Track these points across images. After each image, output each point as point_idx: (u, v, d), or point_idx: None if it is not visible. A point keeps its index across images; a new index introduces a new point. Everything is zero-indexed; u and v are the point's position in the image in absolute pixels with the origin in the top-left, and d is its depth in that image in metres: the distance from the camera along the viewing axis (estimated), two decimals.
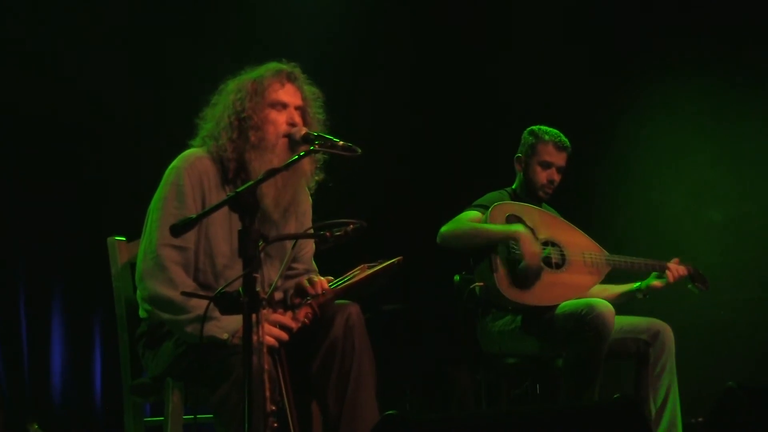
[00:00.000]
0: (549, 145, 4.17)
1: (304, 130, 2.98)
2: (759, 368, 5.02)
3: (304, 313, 2.89)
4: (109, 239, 3.28)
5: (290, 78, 3.07)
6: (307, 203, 3.22)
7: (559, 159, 4.19)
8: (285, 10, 5.47)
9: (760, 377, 4.91)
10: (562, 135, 4.22)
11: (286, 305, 3.03)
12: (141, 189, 3.25)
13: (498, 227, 3.96)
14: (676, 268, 4.15)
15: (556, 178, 4.19)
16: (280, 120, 3.01)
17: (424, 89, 5.82)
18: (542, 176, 4.18)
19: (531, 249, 3.91)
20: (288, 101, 3.03)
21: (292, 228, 3.13)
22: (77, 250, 4.86)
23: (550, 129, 4.23)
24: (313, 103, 3.10)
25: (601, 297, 3.94)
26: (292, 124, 3.01)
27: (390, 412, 2.30)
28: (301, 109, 3.06)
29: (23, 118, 4.88)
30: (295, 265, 3.17)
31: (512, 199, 4.20)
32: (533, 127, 4.24)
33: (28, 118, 4.89)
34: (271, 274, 3.04)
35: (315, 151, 2.89)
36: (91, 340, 5.09)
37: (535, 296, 3.95)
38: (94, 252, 3.61)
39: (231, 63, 3.13)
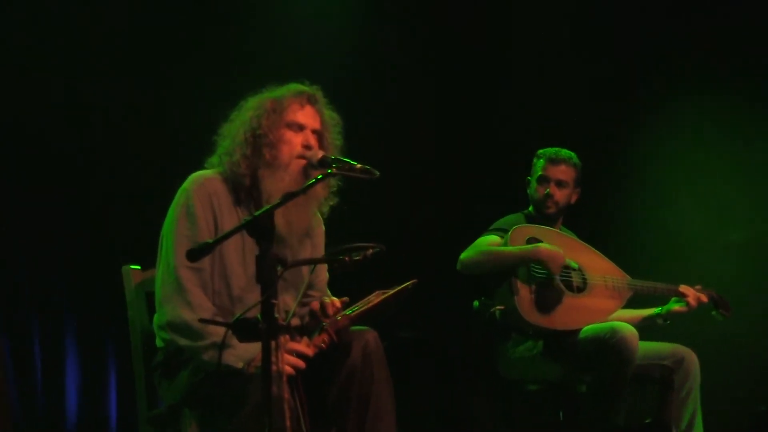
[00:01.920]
0: (544, 161, 4.17)
1: (321, 153, 2.95)
2: None
3: (320, 339, 2.84)
4: (124, 268, 3.25)
5: (311, 101, 3.04)
6: (320, 229, 3.18)
7: (556, 172, 4.15)
8: (295, 30, 5.45)
9: None
10: (562, 150, 4.19)
11: (302, 332, 2.99)
12: (154, 215, 3.21)
13: (516, 248, 3.92)
14: (696, 296, 4.10)
15: (556, 192, 4.14)
16: (295, 141, 2.98)
17: (440, 113, 5.79)
18: (539, 191, 4.16)
19: (555, 263, 3.85)
20: (305, 123, 3.01)
21: (307, 254, 3.10)
22: (91, 277, 4.82)
23: (553, 148, 4.21)
24: (332, 129, 3.07)
25: (621, 321, 3.88)
26: (308, 147, 2.98)
27: None
28: (318, 133, 3.04)
29: (32, 143, 4.85)
30: (310, 293, 3.13)
31: (528, 222, 4.16)
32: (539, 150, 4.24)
33: (36, 144, 4.86)
34: (286, 300, 3.00)
35: (333, 175, 2.85)
36: (106, 370, 5.04)
37: (557, 320, 3.90)
38: (108, 280, 3.57)
39: (243, 84, 3.11)
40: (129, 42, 4.99)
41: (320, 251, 3.16)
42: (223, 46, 5.21)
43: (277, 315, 2.33)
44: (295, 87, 3.06)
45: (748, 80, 5.33)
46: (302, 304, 3.07)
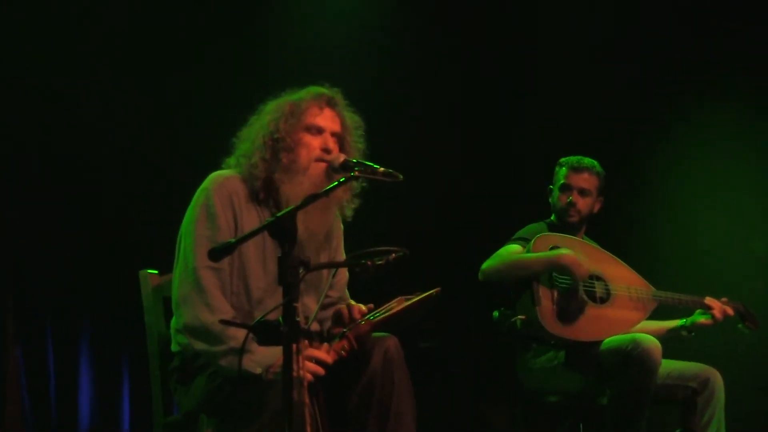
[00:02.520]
0: (567, 169, 4.12)
1: (342, 157, 2.90)
2: None
3: (340, 345, 2.79)
4: (141, 272, 3.20)
5: (330, 103, 3.00)
6: (338, 231, 3.14)
7: (578, 180, 4.10)
8: (320, 33, 5.43)
9: None
10: (585, 159, 4.14)
11: (322, 337, 2.94)
12: (169, 219, 3.18)
13: (540, 255, 3.87)
14: (722, 308, 4.03)
15: (578, 200, 4.09)
16: (314, 144, 2.93)
17: (462, 120, 5.77)
18: (561, 199, 4.11)
19: (580, 270, 3.80)
20: (324, 126, 2.96)
21: (325, 257, 3.05)
22: (105, 282, 4.81)
23: (576, 156, 4.16)
24: (354, 132, 3.02)
25: (645, 333, 3.81)
26: (326, 150, 2.93)
27: None
28: (338, 136, 2.99)
29: (42, 148, 4.84)
30: (329, 293, 3.08)
31: (551, 231, 4.11)
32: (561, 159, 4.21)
33: (46, 149, 4.85)
34: (306, 303, 2.95)
35: (355, 178, 2.79)
36: (120, 376, 5.02)
37: (579, 331, 3.84)
38: (124, 286, 3.55)
39: (264, 87, 3.07)
40: (129, 42, 4.98)
41: (339, 253, 3.11)
42: (246, 48, 5.20)
43: (298, 318, 2.29)
44: (314, 90, 3.02)
45: None
46: (322, 306, 3.03)
